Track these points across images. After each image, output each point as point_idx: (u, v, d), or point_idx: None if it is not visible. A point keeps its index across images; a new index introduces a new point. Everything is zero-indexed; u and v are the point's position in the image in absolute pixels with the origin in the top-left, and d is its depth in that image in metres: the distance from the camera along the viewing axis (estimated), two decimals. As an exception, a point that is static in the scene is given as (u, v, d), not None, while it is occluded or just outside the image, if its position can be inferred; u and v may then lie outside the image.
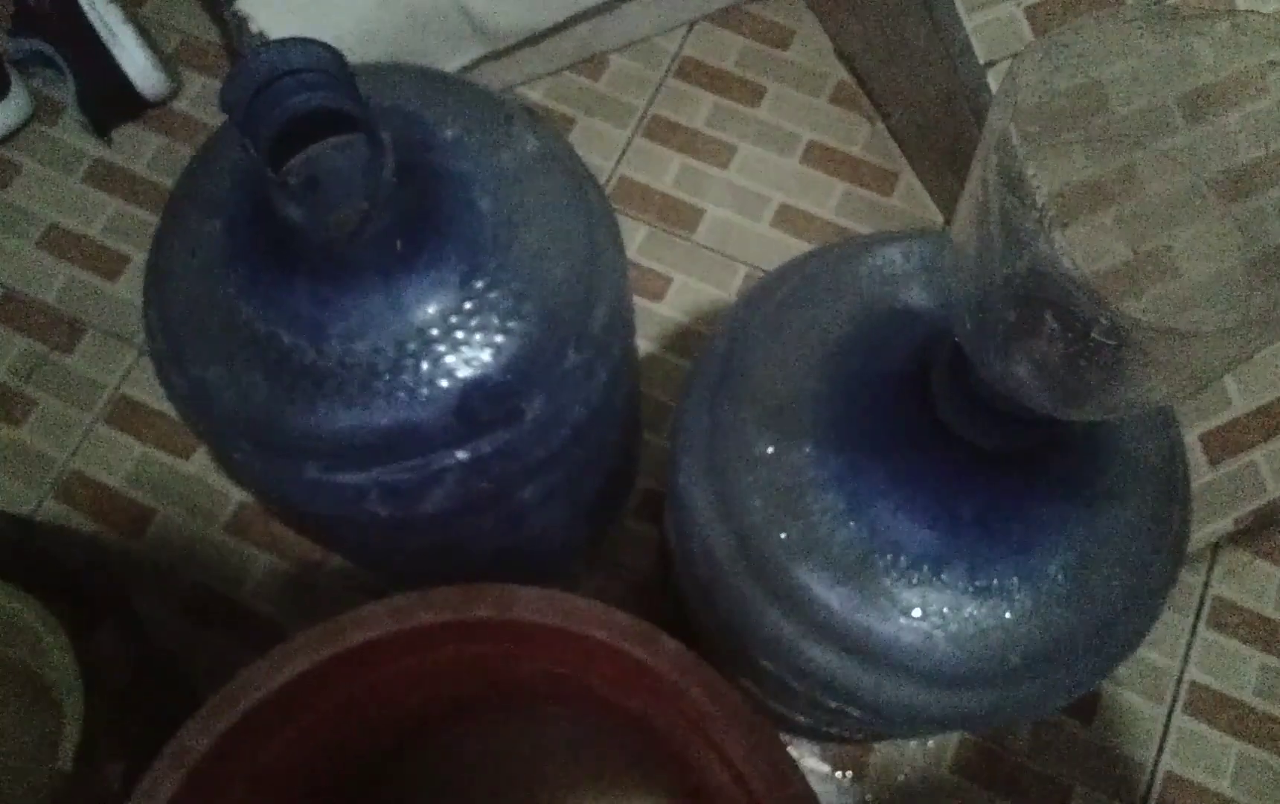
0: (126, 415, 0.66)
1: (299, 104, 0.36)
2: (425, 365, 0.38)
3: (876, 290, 0.40)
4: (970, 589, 0.36)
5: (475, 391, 0.39)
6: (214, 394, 0.40)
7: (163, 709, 0.53)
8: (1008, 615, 0.37)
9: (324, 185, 0.38)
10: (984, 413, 0.32)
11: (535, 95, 0.75)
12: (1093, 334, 0.23)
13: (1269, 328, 0.25)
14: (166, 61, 0.73)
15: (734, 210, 0.72)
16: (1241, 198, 0.32)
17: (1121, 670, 0.45)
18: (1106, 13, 0.29)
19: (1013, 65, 0.25)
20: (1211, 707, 0.60)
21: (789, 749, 0.58)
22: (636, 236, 0.71)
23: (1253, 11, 0.28)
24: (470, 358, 0.39)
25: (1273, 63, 0.29)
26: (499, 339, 0.39)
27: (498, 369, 0.39)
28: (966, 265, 0.27)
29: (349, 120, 0.36)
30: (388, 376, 0.38)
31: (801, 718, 0.49)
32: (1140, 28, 0.31)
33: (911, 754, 0.59)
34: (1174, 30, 0.31)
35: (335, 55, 0.35)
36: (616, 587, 0.63)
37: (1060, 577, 0.37)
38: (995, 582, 0.37)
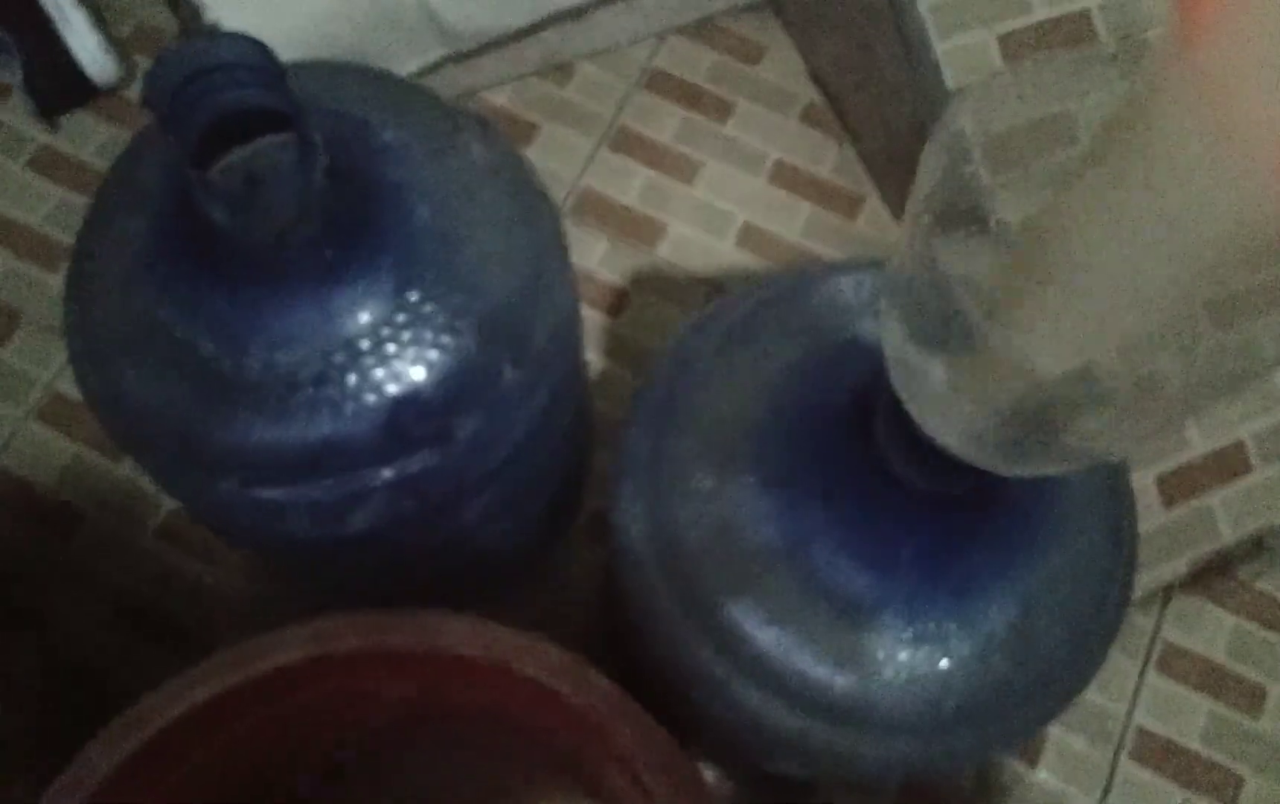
0: (59, 412, 0.63)
1: (226, 101, 0.34)
2: (352, 379, 0.37)
3: (824, 322, 0.39)
4: (907, 634, 0.35)
5: (404, 408, 0.37)
6: (129, 401, 0.38)
7: (80, 723, 0.51)
8: (944, 663, 0.36)
9: (251, 187, 0.36)
10: (924, 457, 0.31)
11: (499, 100, 0.73)
12: (1033, 408, 0.22)
13: (1218, 385, 0.24)
14: (119, 47, 0.71)
15: (698, 227, 0.70)
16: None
17: (1068, 712, 0.44)
18: (1075, 54, 0.28)
19: (934, 135, 0.23)
20: (1158, 753, 0.59)
21: (726, 785, 0.57)
22: (597, 249, 0.70)
23: None
24: (400, 373, 0.37)
25: None
26: (432, 354, 0.38)
27: (429, 386, 0.38)
28: (896, 316, 0.25)
29: (281, 120, 0.35)
30: (311, 389, 0.36)
31: (740, 755, 0.47)
32: (1109, 67, 0.30)
33: (853, 794, 0.58)
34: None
35: (266, 51, 0.33)
36: (562, 608, 0.61)
37: (1000, 624, 0.36)
38: (933, 627, 0.36)
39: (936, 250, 0.23)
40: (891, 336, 0.27)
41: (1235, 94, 0.16)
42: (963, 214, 0.27)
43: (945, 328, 0.24)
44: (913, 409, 0.28)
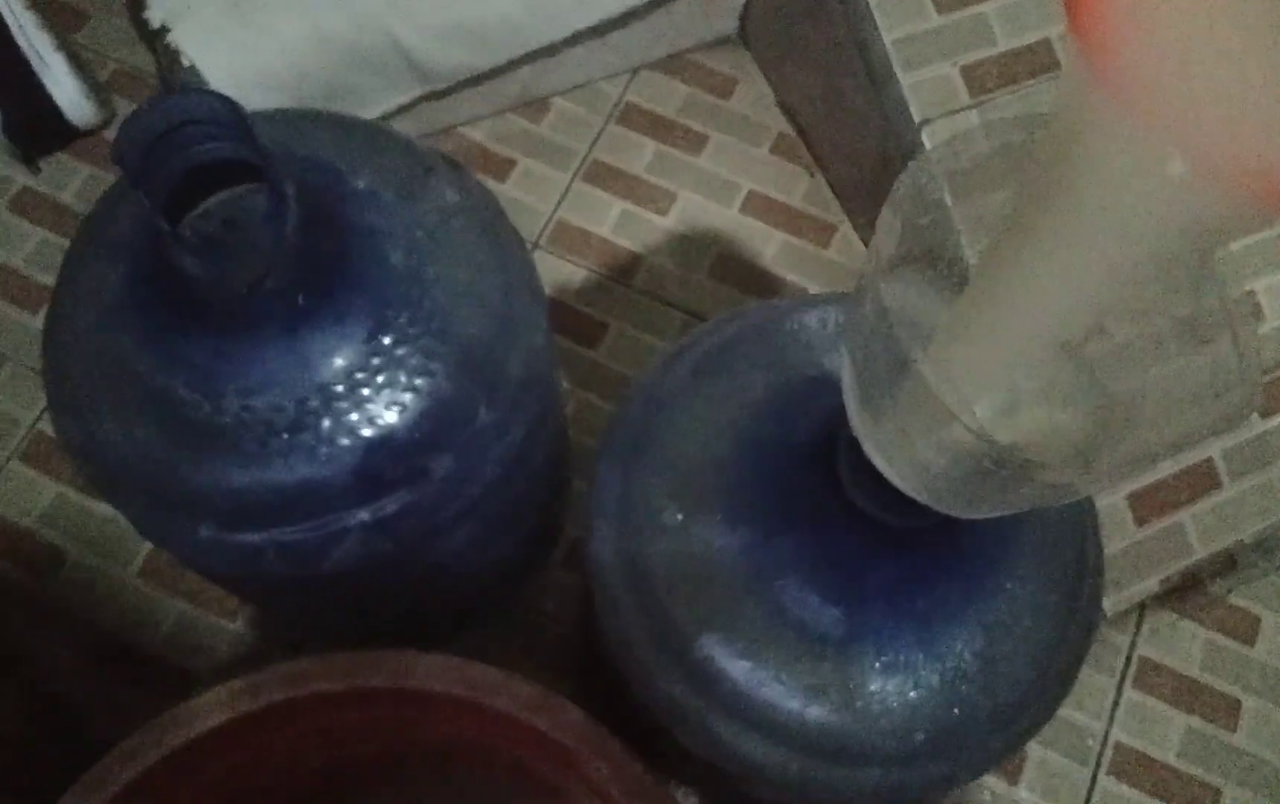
0: (43, 453, 0.64)
1: (196, 156, 0.35)
2: (326, 423, 0.37)
3: (791, 357, 0.40)
4: (875, 665, 0.36)
5: (379, 450, 0.38)
6: (108, 449, 0.38)
7: (61, 762, 0.51)
8: (913, 693, 0.36)
9: (223, 238, 0.37)
10: (885, 495, 0.32)
11: (476, 136, 0.74)
12: (983, 463, 0.22)
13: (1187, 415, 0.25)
14: (99, 90, 0.72)
15: (672, 258, 0.71)
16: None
17: (1048, 730, 0.45)
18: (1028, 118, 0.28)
19: (890, 198, 0.24)
20: (1135, 768, 0.60)
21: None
22: (573, 281, 0.70)
23: None
24: (374, 416, 0.38)
25: None
26: (406, 397, 0.38)
27: (403, 428, 0.38)
28: (852, 366, 0.26)
29: (252, 170, 0.36)
30: (286, 434, 0.37)
31: (719, 783, 0.48)
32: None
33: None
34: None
35: (233, 106, 0.34)
36: (542, 638, 0.62)
37: (967, 653, 0.37)
38: (901, 658, 0.36)
39: (891, 305, 0.23)
40: (849, 381, 0.28)
41: (1146, 95, 0.17)
42: (918, 261, 0.27)
43: (897, 378, 0.24)
44: (870, 452, 0.29)
